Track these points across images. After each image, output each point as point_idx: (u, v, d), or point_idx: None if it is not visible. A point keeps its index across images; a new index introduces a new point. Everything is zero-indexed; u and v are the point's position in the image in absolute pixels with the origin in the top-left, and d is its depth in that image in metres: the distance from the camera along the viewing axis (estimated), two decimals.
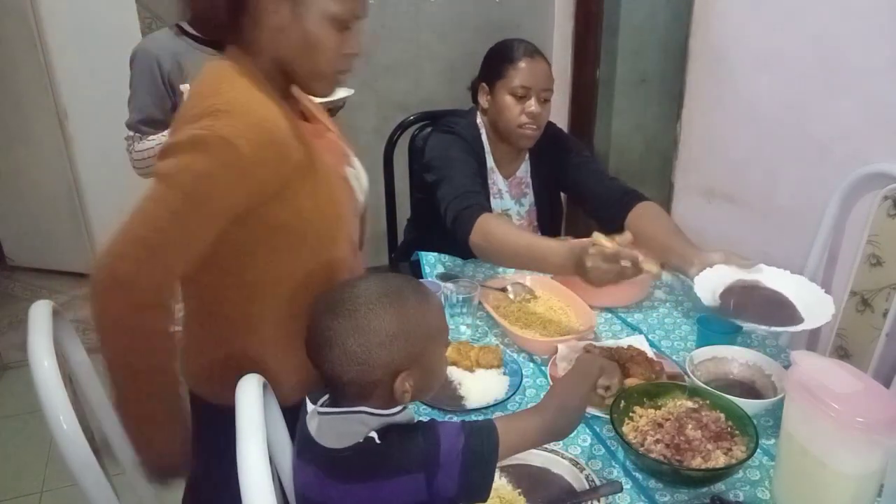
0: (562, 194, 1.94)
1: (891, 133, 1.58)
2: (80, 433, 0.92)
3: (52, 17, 2.90)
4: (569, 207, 2.19)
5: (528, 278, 1.56)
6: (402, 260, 2.00)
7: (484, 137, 1.76)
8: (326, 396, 0.92)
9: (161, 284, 0.95)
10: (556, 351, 1.31)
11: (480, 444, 0.86)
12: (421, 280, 1.60)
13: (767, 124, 1.88)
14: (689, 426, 1.04)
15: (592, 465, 1.06)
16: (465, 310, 1.45)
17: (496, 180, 1.78)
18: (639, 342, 1.35)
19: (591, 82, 2.89)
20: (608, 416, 1.06)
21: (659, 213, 1.63)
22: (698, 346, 1.29)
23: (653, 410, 1.09)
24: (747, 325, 1.22)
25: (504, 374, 1.28)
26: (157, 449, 1.06)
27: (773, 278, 1.35)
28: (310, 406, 0.91)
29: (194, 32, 1.82)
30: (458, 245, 1.54)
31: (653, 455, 0.99)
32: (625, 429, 1.06)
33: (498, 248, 1.45)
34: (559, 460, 1.04)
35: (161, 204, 0.91)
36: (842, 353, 1.69)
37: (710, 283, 1.31)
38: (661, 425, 1.05)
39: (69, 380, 1.06)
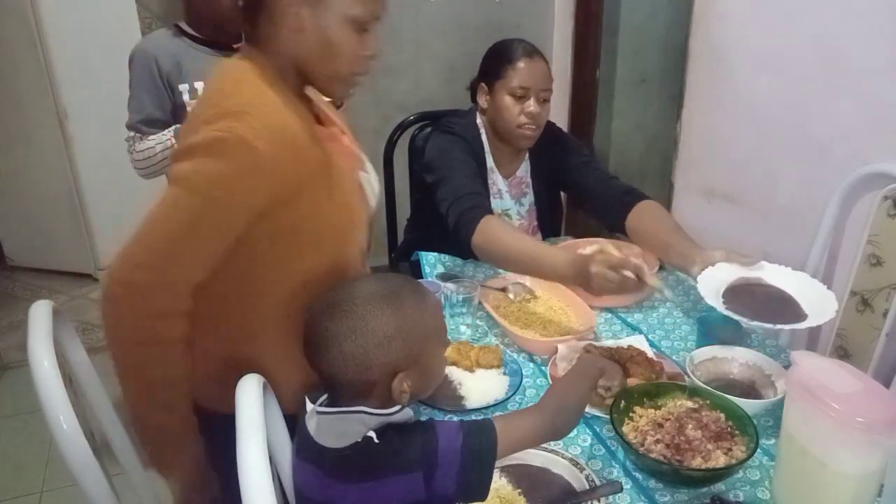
0: (562, 194, 1.94)
1: (891, 133, 1.58)
2: (80, 433, 0.92)
3: (52, 17, 2.90)
4: (569, 207, 2.19)
5: (529, 278, 1.56)
6: (402, 260, 2.00)
7: (484, 137, 1.76)
8: (325, 396, 0.92)
9: (179, 292, 0.94)
10: (556, 351, 1.31)
11: (479, 443, 0.86)
12: (421, 280, 1.60)
13: (767, 124, 1.88)
14: (690, 426, 1.04)
15: (592, 465, 1.06)
16: (465, 310, 1.45)
17: (496, 180, 1.78)
18: (639, 342, 1.35)
19: (591, 82, 2.89)
20: (608, 416, 1.06)
21: (660, 211, 1.63)
22: (698, 346, 1.29)
23: (653, 410, 1.09)
24: (752, 324, 1.22)
25: (504, 374, 1.28)
26: (170, 461, 1.06)
27: (775, 275, 1.35)
28: (309, 405, 0.91)
29: (193, 32, 1.83)
30: (457, 245, 1.54)
31: (653, 455, 0.99)
32: (625, 429, 1.05)
33: (500, 252, 1.45)
34: (559, 460, 1.04)
35: (178, 209, 0.90)
36: (842, 353, 1.69)
37: (713, 282, 1.31)
38: (661, 425, 1.05)
39: (69, 380, 1.06)
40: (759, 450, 1.01)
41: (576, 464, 1.03)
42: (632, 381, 1.17)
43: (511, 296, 1.52)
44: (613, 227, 1.68)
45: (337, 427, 0.86)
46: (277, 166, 0.91)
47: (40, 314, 1.01)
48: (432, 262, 1.74)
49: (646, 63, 2.87)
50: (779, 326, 1.19)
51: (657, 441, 1.02)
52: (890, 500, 0.86)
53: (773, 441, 1.09)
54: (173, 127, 1.79)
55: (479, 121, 1.77)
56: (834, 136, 1.70)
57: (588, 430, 1.14)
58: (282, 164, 0.91)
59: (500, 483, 1.01)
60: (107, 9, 2.89)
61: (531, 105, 1.64)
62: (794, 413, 0.94)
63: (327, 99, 1.22)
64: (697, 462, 0.98)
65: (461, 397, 1.22)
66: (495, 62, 1.69)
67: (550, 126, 1.78)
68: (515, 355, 1.34)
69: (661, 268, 1.64)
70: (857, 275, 1.64)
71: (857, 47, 1.61)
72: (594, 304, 1.47)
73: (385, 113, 2.84)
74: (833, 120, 1.69)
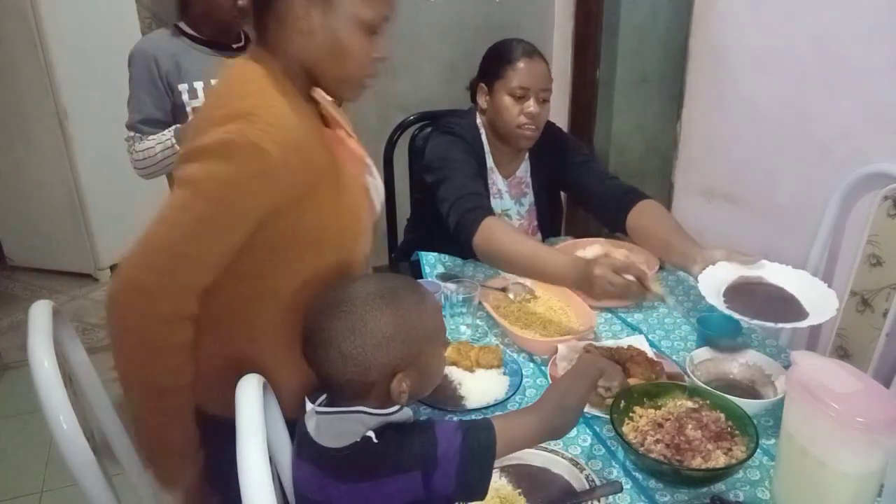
0: (562, 194, 1.94)
1: (891, 133, 1.58)
2: (80, 433, 0.92)
3: (52, 17, 2.91)
4: (569, 207, 2.19)
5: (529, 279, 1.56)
6: (402, 260, 2.00)
7: (483, 138, 1.75)
8: (324, 396, 0.92)
9: (187, 296, 0.93)
10: (556, 351, 1.31)
11: (477, 442, 0.86)
12: (421, 280, 1.60)
13: (767, 124, 1.88)
14: (690, 426, 1.04)
15: (592, 465, 1.06)
16: (465, 310, 1.45)
17: (496, 180, 1.78)
18: (639, 342, 1.35)
19: (591, 82, 2.89)
20: (608, 416, 1.06)
21: (660, 211, 1.63)
22: (698, 346, 1.29)
23: (653, 410, 1.09)
24: (753, 323, 1.22)
25: (504, 374, 1.28)
26: (172, 474, 1.06)
27: (775, 274, 1.34)
28: (308, 405, 0.91)
29: (192, 32, 1.83)
30: (457, 245, 1.54)
31: (653, 455, 0.99)
32: (625, 429, 1.05)
33: (501, 254, 1.44)
34: (559, 460, 1.04)
35: (186, 212, 0.89)
36: (842, 353, 1.69)
37: (714, 281, 1.31)
38: (661, 425, 1.05)
39: (69, 380, 1.06)
40: (759, 450, 1.01)
41: (576, 464, 1.03)
42: (632, 381, 1.17)
43: (511, 296, 1.52)
44: (613, 226, 1.68)
45: (336, 427, 0.86)
46: (286, 170, 0.90)
47: (40, 314, 1.00)
48: (432, 262, 1.74)
49: (646, 63, 2.87)
50: (780, 325, 1.19)
51: (657, 441, 1.02)
52: (890, 500, 0.86)
53: (773, 441, 1.09)
54: (173, 127, 1.79)
55: (478, 121, 1.77)
56: (834, 136, 1.70)
57: (588, 430, 1.14)
58: (290, 167, 0.91)
59: (499, 483, 1.01)
60: (107, 9, 2.89)
61: (531, 105, 1.64)
62: (794, 413, 0.94)
63: (330, 98, 1.22)
64: (697, 462, 0.98)
65: (461, 397, 1.22)
66: (495, 62, 1.69)
67: (550, 126, 1.78)
68: (515, 355, 1.34)
69: (662, 267, 1.64)
70: (857, 275, 1.64)
71: (857, 47, 1.61)
72: (594, 303, 1.47)
73: (385, 113, 2.84)
74: (833, 120, 1.69)
